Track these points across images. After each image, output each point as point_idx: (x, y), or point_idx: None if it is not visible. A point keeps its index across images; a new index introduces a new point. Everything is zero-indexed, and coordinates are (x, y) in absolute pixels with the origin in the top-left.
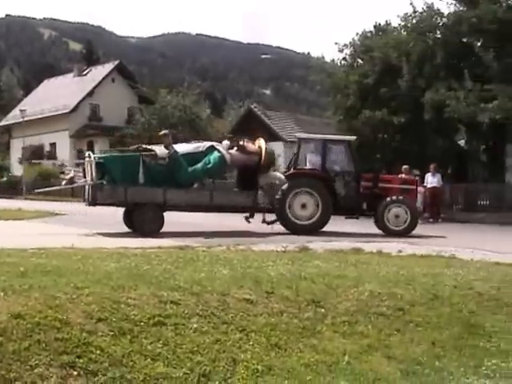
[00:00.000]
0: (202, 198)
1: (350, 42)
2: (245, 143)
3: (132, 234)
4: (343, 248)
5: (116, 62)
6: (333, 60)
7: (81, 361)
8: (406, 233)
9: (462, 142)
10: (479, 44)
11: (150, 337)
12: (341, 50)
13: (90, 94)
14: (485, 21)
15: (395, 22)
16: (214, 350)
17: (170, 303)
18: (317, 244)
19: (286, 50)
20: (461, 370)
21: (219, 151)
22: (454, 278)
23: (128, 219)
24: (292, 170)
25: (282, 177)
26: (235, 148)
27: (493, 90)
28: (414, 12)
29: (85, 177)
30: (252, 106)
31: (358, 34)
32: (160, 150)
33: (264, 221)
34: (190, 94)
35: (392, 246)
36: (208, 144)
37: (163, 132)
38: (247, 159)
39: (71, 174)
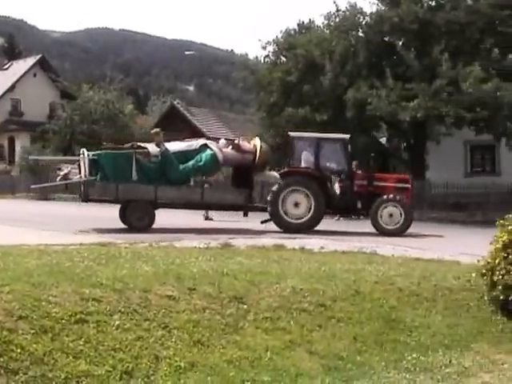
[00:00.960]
0: (193, 195)
1: (274, 40)
2: (240, 142)
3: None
4: (266, 244)
5: (38, 57)
6: (256, 57)
7: (1, 359)
8: (399, 232)
9: (383, 140)
10: (401, 43)
11: (72, 334)
12: (264, 47)
13: (11, 88)
14: (406, 21)
15: (319, 21)
16: (137, 347)
17: (92, 300)
18: (239, 240)
19: (210, 46)
20: (382, 364)
21: (211, 149)
22: (376, 274)
23: (123, 215)
24: (285, 169)
25: (278, 176)
26: (230, 147)
27: (414, 88)
28: (337, 11)
29: (80, 173)
30: (175, 103)
31: (281, 31)
32: (153, 147)
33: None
34: (112, 90)
35: (314, 242)
36: (201, 142)
37: (155, 130)
38: (242, 158)
39: (65, 171)
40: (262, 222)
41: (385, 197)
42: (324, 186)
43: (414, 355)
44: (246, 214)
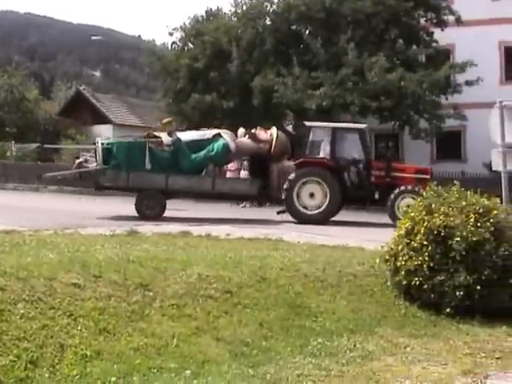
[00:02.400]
0: (204, 185)
1: (181, 26)
2: (256, 131)
3: None
4: (172, 231)
5: None
6: (164, 43)
7: None
8: None
9: (289, 128)
10: (308, 32)
11: None
12: (171, 34)
13: None
14: (313, 9)
15: (227, 8)
16: (42, 335)
17: None
18: (145, 227)
19: (117, 31)
20: (288, 349)
21: (224, 139)
22: (281, 261)
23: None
24: (300, 159)
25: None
26: (247, 136)
27: (320, 77)
28: None
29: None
30: (81, 88)
31: (189, 18)
32: (165, 137)
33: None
34: (16, 75)
35: (220, 229)
36: (214, 132)
37: (166, 120)
38: (257, 148)
39: (81, 159)
40: (278, 213)
41: (402, 188)
42: (340, 176)
43: (320, 340)
44: (260, 205)
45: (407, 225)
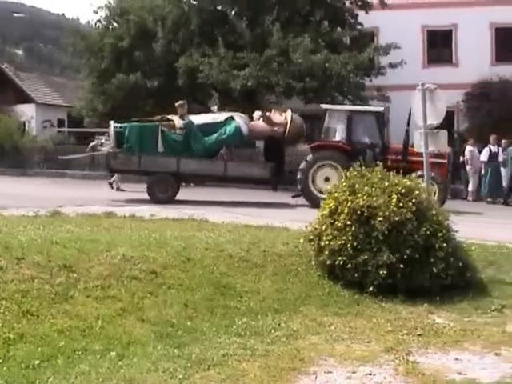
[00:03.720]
0: (216, 168)
1: (106, 5)
2: (271, 114)
3: None
4: (96, 212)
5: None
6: (88, 22)
7: None
8: None
9: (214, 108)
10: (233, 12)
11: None
12: (96, 12)
13: None
14: None
15: None
16: None
17: None
18: (69, 208)
19: (40, 9)
20: (213, 329)
21: (236, 122)
22: (206, 241)
23: None
24: (316, 142)
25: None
26: (261, 119)
27: (245, 57)
28: None
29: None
30: (3, 67)
31: None
32: (177, 120)
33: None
34: None
35: (145, 209)
36: (227, 114)
37: (179, 103)
38: (272, 131)
39: (94, 142)
40: (293, 197)
41: (419, 173)
42: (356, 160)
43: (245, 320)
44: (274, 189)
45: (331, 205)
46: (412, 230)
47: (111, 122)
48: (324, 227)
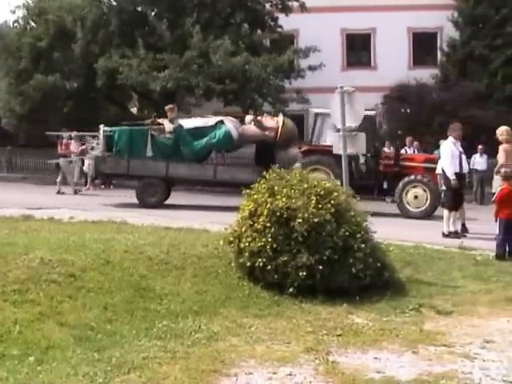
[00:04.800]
0: (205, 172)
1: (24, 4)
2: (262, 118)
3: None
4: (13, 215)
5: None
6: (5, 21)
7: None
8: (425, 215)
9: (134, 110)
10: (153, 13)
11: None
12: (14, 12)
13: None
14: None
15: None
16: None
17: None
18: None
19: None
20: (133, 332)
21: (226, 126)
22: (125, 243)
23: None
24: (306, 147)
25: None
26: (252, 123)
27: (165, 59)
28: None
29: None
30: None
31: None
32: (168, 124)
33: None
34: None
35: (64, 212)
36: (218, 119)
37: (169, 106)
38: (263, 135)
39: (83, 146)
40: None
41: (411, 177)
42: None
43: (165, 322)
44: None
45: (250, 207)
46: (331, 231)
47: (101, 126)
48: (243, 229)
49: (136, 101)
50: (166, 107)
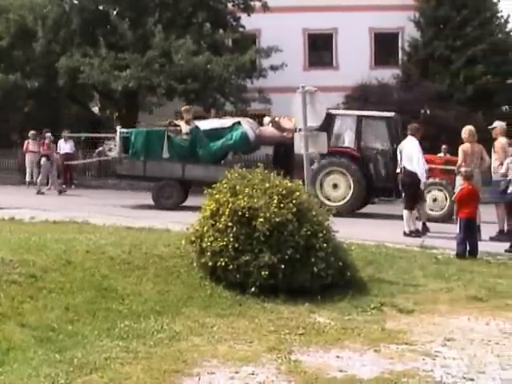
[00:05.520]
0: (221, 174)
1: None
2: (280, 119)
3: None
4: None
5: None
6: None
7: None
8: (443, 218)
9: (96, 109)
10: (115, 13)
11: None
12: None
13: None
14: None
15: None
16: None
17: None
18: None
19: None
20: (95, 333)
21: (243, 128)
22: (87, 244)
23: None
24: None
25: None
26: (270, 124)
27: (126, 58)
28: None
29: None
30: None
31: None
32: (185, 125)
33: None
34: None
35: (25, 212)
36: (234, 120)
37: (184, 107)
38: (281, 136)
39: (100, 148)
40: None
41: (430, 180)
42: (365, 167)
43: (127, 322)
44: None
45: (212, 206)
46: (293, 230)
47: (118, 127)
48: (205, 229)
49: (98, 100)
50: (182, 108)
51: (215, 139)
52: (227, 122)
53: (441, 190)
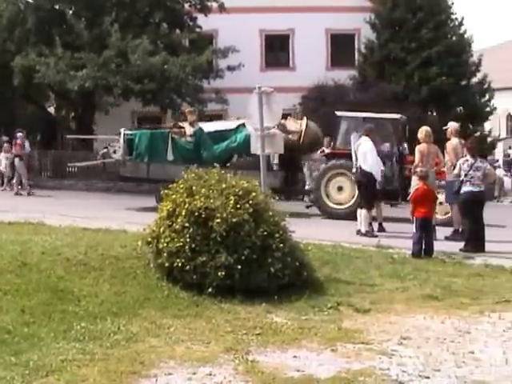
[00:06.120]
0: None
1: None
2: (286, 121)
3: None
4: None
5: None
6: None
7: None
8: (450, 222)
9: (51, 109)
10: (71, 12)
11: None
12: None
13: None
14: None
15: None
16: None
17: None
18: None
19: None
20: (51, 335)
21: (247, 130)
22: (42, 245)
23: None
24: (328, 150)
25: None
26: (276, 126)
27: (83, 58)
28: None
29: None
30: None
31: None
32: (189, 127)
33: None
34: None
35: None
36: (239, 122)
37: (188, 109)
38: (287, 138)
39: (105, 150)
40: (307, 207)
41: (442, 182)
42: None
43: (83, 324)
44: (287, 198)
45: (169, 207)
46: (249, 231)
47: (122, 129)
48: (162, 229)
49: (53, 100)
50: (186, 110)
51: (219, 141)
52: (232, 123)
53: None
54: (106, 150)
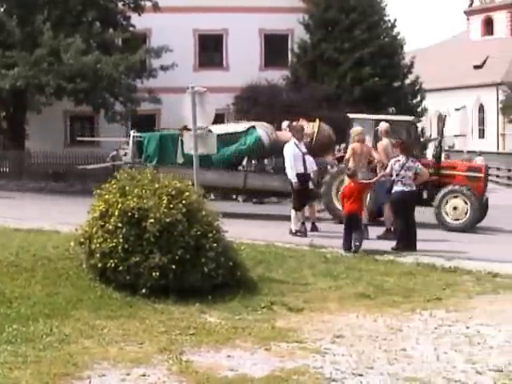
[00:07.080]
0: (236, 180)
1: None
2: (297, 124)
3: None
4: None
5: None
6: None
7: None
8: (464, 228)
9: None
10: (2, 10)
11: None
12: None
13: None
14: None
15: None
16: None
17: None
18: None
19: None
20: None
21: (257, 132)
22: None
23: None
24: (340, 153)
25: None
26: (287, 129)
27: (14, 56)
28: None
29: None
30: None
31: None
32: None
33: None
34: None
35: None
36: (249, 124)
37: None
38: None
39: (114, 152)
40: (318, 211)
41: (450, 187)
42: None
43: (15, 326)
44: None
45: (101, 207)
46: (183, 231)
47: (131, 132)
48: (95, 230)
49: None
50: None
51: (228, 144)
52: (241, 126)
53: (459, 197)
54: (115, 152)
